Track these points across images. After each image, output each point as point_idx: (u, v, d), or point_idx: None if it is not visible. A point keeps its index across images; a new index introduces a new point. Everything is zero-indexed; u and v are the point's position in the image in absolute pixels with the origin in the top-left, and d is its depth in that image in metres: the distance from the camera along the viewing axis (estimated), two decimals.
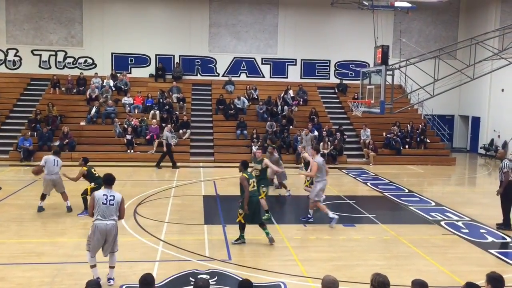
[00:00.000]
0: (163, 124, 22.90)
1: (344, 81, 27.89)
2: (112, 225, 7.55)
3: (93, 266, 7.66)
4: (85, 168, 11.97)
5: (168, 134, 20.23)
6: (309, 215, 11.96)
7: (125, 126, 22.37)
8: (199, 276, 7.89)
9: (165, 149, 20.00)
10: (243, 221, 9.86)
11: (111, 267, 7.77)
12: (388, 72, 17.36)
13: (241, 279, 5.54)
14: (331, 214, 11.53)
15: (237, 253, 9.45)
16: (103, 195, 7.57)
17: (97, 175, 11.91)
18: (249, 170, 10.40)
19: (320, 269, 8.50)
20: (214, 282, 7.80)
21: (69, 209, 12.29)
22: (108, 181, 7.80)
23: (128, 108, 24.28)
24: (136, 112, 24.16)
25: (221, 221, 11.82)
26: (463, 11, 28.86)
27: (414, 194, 15.97)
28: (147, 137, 22.20)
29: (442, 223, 12.22)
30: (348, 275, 8.34)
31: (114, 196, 7.59)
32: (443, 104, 26.83)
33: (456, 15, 28.94)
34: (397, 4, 23.83)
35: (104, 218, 7.49)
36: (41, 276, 8.07)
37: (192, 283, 7.39)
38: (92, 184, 11.81)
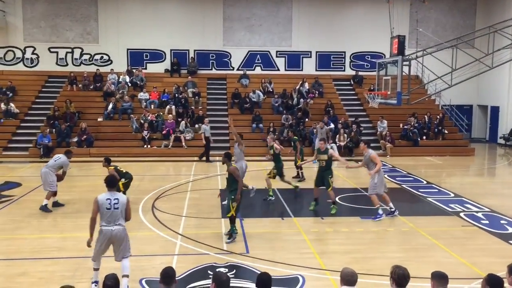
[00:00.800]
0: (179, 119, 23.03)
1: (360, 73, 27.66)
2: (118, 230, 7.16)
3: (95, 269, 7.40)
4: (111, 168, 12.09)
5: (206, 127, 20.45)
6: (391, 209, 11.64)
7: (142, 121, 22.53)
8: (217, 270, 7.93)
9: (204, 142, 20.29)
10: (235, 215, 9.80)
11: (124, 276, 7.20)
12: (404, 63, 17.19)
13: (259, 272, 5.54)
14: (381, 211, 11.41)
15: (255, 246, 9.47)
16: (107, 199, 7.15)
17: (124, 171, 12.35)
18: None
19: (338, 262, 8.48)
20: (233, 275, 7.83)
21: (46, 208, 12.01)
22: (110, 182, 7.35)
23: (144, 103, 24.45)
24: (152, 107, 24.31)
25: (238, 214, 11.83)
26: None
27: (433, 185, 15.81)
28: (163, 132, 22.33)
29: (462, 214, 12.09)
30: (367, 268, 8.30)
31: (118, 199, 7.17)
32: (461, 94, 26.45)
33: (473, 3, 28.43)
34: None
35: (109, 224, 7.12)
36: (62, 270, 8.20)
37: (210, 276, 7.43)
38: (123, 180, 12.06)
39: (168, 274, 5.05)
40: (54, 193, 12.35)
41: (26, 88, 25.50)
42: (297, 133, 19.96)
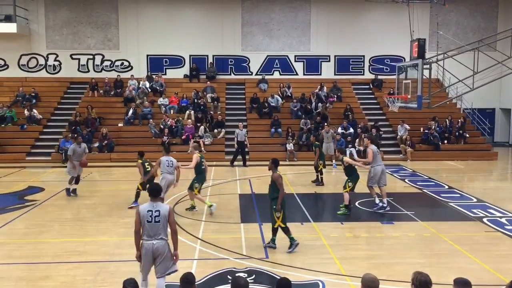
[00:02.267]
0: (198, 124, 23.16)
1: (379, 77, 27.45)
2: (160, 244, 6.58)
3: (142, 280, 6.75)
4: (140, 161, 12.96)
5: (240, 132, 20.63)
6: (381, 204, 12.65)
7: (161, 126, 22.73)
8: (237, 275, 7.93)
9: (236, 146, 20.62)
10: (283, 225, 9.35)
11: None
12: (425, 66, 17.03)
13: (279, 277, 5.53)
14: (377, 200, 12.62)
15: (274, 252, 9.44)
16: (148, 211, 6.57)
17: (148, 169, 12.87)
18: None
19: (358, 268, 8.40)
20: (252, 281, 7.83)
21: (68, 192, 14.28)
22: (153, 191, 6.80)
23: (164, 109, 24.67)
24: (171, 112, 24.51)
25: (258, 219, 11.85)
26: (502, 1, 27.89)
27: (455, 190, 15.58)
28: (183, 137, 22.48)
29: (485, 219, 11.88)
30: (387, 274, 8.21)
31: (159, 211, 6.59)
32: (483, 97, 26.02)
33: (495, 5, 28.00)
34: None
35: (150, 238, 6.59)
36: (84, 274, 8.29)
37: (229, 281, 7.44)
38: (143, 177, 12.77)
39: (188, 279, 5.06)
40: (73, 180, 14.34)
41: (48, 95, 25.99)
42: (319, 138, 19.76)
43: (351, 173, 12.37)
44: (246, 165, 20.30)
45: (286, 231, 9.42)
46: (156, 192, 6.80)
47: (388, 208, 12.61)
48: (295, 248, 9.36)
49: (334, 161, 19.56)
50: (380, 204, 12.62)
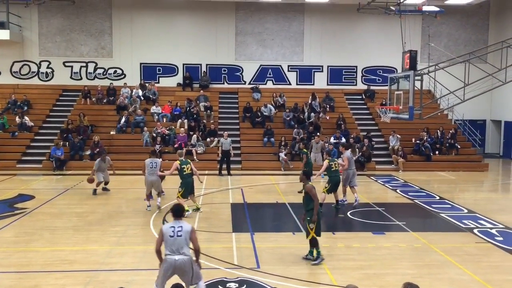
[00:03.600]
0: (191, 133, 23.14)
1: (372, 87, 27.64)
2: (183, 260, 6.68)
3: None
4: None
5: (225, 141, 20.72)
6: (342, 200, 14.35)
7: (154, 135, 22.68)
8: (227, 285, 7.90)
9: (220, 155, 20.83)
10: (316, 236, 9.29)
11: None
12: (416, 77, 17.15)
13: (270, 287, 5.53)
14: (341, 197, 14.23)
15: (266, 261, 9.42)
16: (171, 227, 6.76)
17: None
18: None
19: (350, 278, 8.40)
20: None
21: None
22: (177, 212, 6.99)
23: (157, 117, 24.63)
24: (164, 121, 24.47)
25: (249, 229, 11.82)
26: (494, 13, 28.27)
27: (446, 201, 15.65)
28: (175, 146, 22.44)
29: (475, 230, 11.94)
30: (378, 284, 8.22)
31: (182, 227, 6.76)
32: (474, 109, 26.27)
33: (486, 18, 28.36)
34: (425, 8, 23.47)
35: (173, 253, 6.71)
36: (73, 284, 8.22)
37: None
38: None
39: None
40: (100, 184, 15.92)
41: (40, 102, 25.86)
42: (308, 146, 19.95)
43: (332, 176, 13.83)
44: (230, 174, 20.34)
45: (316, 244, 9.36)
46: (178, 213, 6.97)
47: (347, 202, 14.36)
48: (321, 262, 9.29)
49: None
50: (358, 198, 14.10)
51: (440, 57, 25.20)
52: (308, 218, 9.28)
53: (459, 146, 23.82)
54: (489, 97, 26.38)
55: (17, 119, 23.57)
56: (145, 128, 23.24)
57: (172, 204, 7.42)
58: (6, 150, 22.32)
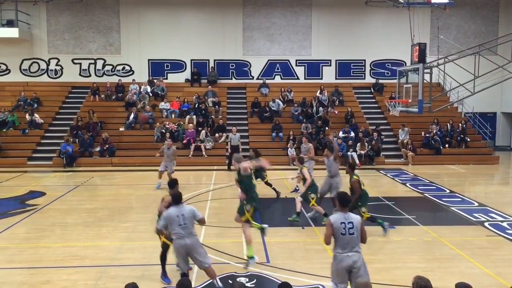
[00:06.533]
0: (199, 128, 23.18)
1: (380, 81, 27.48)
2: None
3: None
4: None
5: (233, 136, 20.70)
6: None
7: (162, 131, 22.76)
8: (237, 279, 7.93)
9: (229, 151, 20.53)
10: (368, 215, 10.47)
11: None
12: (426, 70, 17.07)
13: (280, 282, 5.53)
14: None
15: (276, 256, 9.43)
16: (341, 223, 6.35)
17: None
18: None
19: None
20: (253, 285, 7.82)
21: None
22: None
23: (165, 113, 24.70)
24: (172, 116, 24.54)
25: (259, 223, 11.81)
26: (503, 5, 27.94)
27: (456, 194, 15.55)
28: (184, 142, 22.49)
29: (486, 224, 11.85)
30: (388, 278, 8.19)
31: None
32: (485, 101, 26.00)
33: (496, 10, 28.04)
34: (434, 0, 23.31)
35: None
36: (85, 279, 8.29)
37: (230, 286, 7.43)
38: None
39: (184, 285, 5.07)
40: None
41: (50, 99, 26.04)
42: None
43: (311, 184, 11.88)
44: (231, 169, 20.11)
45: (373, 219, 10.61)
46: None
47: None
48: (388, 230, 10.52)
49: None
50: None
51: (449, 49, 25.00)
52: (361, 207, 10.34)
53: (469, 139, 23.64)
54: (500, 90, 26.06)
55: (27, 116, 23.76)
56: (157, 124, 23.31)
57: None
58: (17, 147, 22.52)
